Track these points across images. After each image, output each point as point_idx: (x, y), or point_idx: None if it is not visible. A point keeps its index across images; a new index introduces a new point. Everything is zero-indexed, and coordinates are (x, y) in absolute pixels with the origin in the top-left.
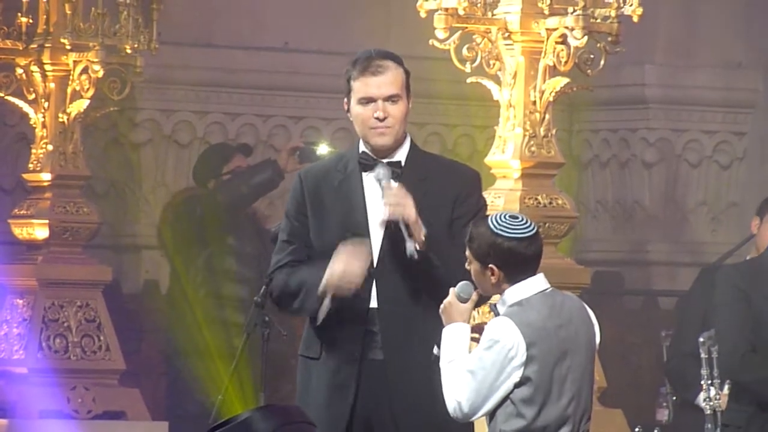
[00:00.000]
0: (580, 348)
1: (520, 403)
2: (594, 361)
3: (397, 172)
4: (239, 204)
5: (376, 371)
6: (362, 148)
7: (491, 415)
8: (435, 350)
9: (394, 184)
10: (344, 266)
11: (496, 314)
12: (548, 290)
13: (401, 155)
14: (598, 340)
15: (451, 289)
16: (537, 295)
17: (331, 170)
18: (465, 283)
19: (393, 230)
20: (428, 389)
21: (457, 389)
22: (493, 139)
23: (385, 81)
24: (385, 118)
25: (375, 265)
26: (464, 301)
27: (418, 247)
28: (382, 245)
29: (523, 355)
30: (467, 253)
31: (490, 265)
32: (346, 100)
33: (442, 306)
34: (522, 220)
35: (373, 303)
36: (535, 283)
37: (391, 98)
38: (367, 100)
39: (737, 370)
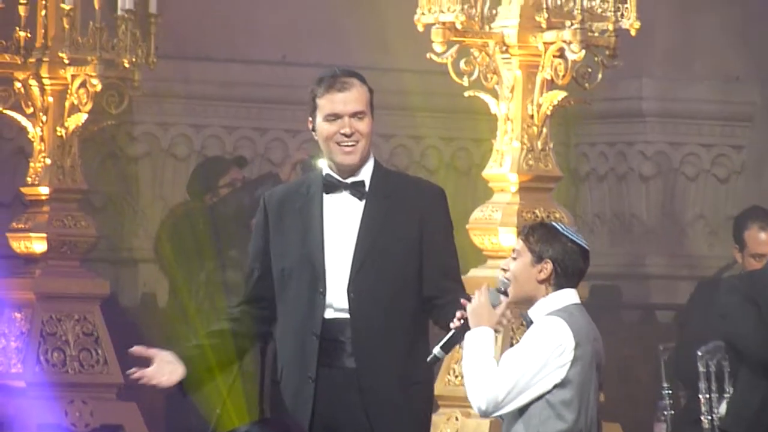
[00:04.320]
0: (603, 366)
1: (560, 406)
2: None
3: (362, 191)
4: (241, 216)
5: (342, 379)
6: (326, 170)
7: (522, 419)
8: (436, 350)
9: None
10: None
11: (528, 322)
12: (581, 304)
13: (365, 174)
14: None
15: (483, 288)
16: (575, 305)
17: (294, 192)
18: (493, 291)
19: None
20: (402, 392)
21: (492, 381)
22: (490, 153)
23: (351, 97)
24: (351, 134)
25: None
26: (494, 305)
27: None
28: (353, 259)
29: (570, 353)
30: (517, 246)
31: (546, 259)
32: (310, 119)
33: (470, 307)
34: (580, 234)
35: (329, 314)
36: (574, 295)
37: (356, 114)
38: (333, 117)
39: None
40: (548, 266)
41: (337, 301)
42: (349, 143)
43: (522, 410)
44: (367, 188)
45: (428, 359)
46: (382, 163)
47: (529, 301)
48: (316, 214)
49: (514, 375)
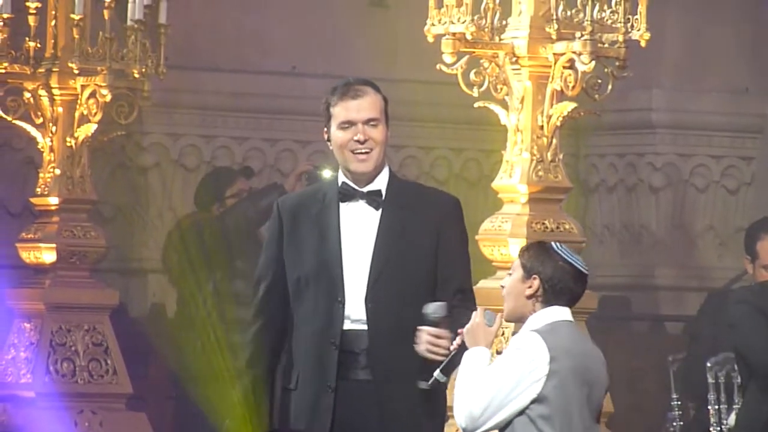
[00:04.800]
0: (600, 386)
1: (540, 421)
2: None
3: (378, 200)
4: (246, 228)
5: (358, 391)
6: (342, 179)
7: None
8: (436, 374)
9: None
10: None
11: None
12: (573, 323)
13: (381, 183)
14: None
15: (480, 310)
16: (564, 322)
17: (309, 199)
18: (491, 311)
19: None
20: (420, 401)
21: (472, 396)
22: (500, 164)
23: (365, 105)
24: (365, 141)
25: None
26: (490, 326)
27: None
28: (371, 269)
29: (545, 368)
30: (515, 263)
31: (534, 276)
32: (325, 129)
33: (467, 327)
34: (580, 258)
35: (347, 325)
36: (564, 313)
37: (370, 121)
38: (347, 124)
39: None
40: (536, 282)
41: (354, 312)
42: (363, 150)
43: (506, 425)
44: (383, 197)
45: (429, 382)
46: (396, 173)
47: (521, 318)
48: (332, 223)
49: (489, 392)
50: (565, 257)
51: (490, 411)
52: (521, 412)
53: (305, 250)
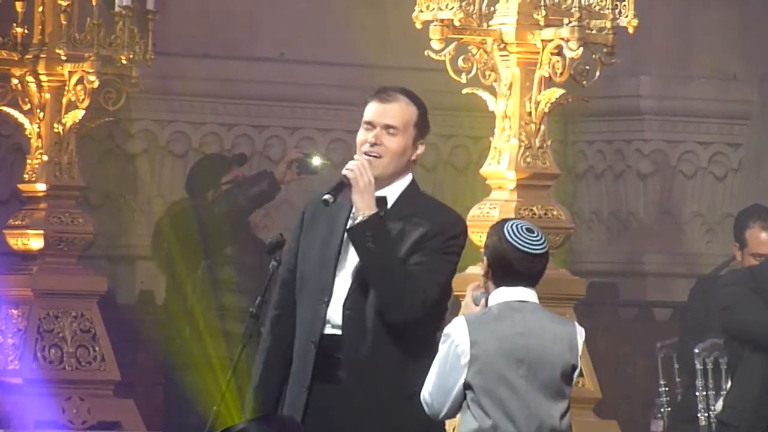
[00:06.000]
0: (546, 363)
1: (473, 405)
2: (562, 385)
3: (383, 208)
4: (236, 216)
5: (331, 394)
6: None
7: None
8: None
9: None
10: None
11: None
12: (528, 302)
13: (391, 192)
14: (577, 371)
15: (469, 289)
16: (514, 302)
17: None
18: (482, 291)
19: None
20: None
21: (426, 384)
22: (488, 150)
23: (389, 110)
24: (375, 145)
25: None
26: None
27: (332, 200)
28: (353, 276)
29: (467, 354)
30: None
31: (484, 257)
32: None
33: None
34: (536, 235)
35: (327, 329)
36: (517, 293)
37: (389, 128)
38: (368, 125)
39: None
40: (485, 263)
41: (335, 316)
42: (372, 154)
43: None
44: (387, 205)
45: None
46: (421, 188)
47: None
48: (340, 224)
49: (432, 379)
50: (507, 237)
51: (439, 398)
52: (464, 396)
53: (312, 247)
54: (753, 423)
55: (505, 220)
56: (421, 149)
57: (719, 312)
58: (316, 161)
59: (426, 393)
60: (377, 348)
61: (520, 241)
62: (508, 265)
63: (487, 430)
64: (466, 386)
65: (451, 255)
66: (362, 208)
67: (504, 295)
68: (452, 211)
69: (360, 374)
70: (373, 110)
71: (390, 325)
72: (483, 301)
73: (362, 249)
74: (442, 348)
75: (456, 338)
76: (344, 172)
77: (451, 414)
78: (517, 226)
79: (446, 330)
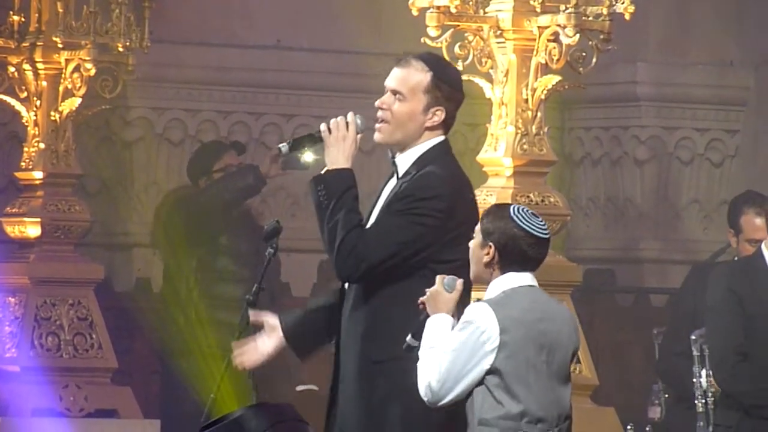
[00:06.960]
0: (562, 347)
1: (497, 390)
2: (569, 368)
3: (395, 173)
4: (221, 209)
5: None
6: None
7: (468, 404)
8: (408, 339)
9: None
10: None
11: None
12: (534, 287)
13: (405, 158)
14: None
15: (438, 278)
16: (522, 288)
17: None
18: (450, 277)
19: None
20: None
21: (431, 370)
22: (485, 137)
23: (399, 74)
24: (379, 108)
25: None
26: (449, 292)
27: (285, 149)
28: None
29: (495, 340)
30: (477, 228)
31: (490, 243)
32: None
33: (427, 294)
34: (541, 221)
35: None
36: (523, 278)
37: (396, 93)
38: (385, 89)
39: (729, 381)
40: (491, 250)
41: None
42: (378, 117)
43: (468, 395)
44: (401, 174)
45: (403, 347)
46: (444, 155)
47: (484, 283)
48: (379, 192)
49: (445, 366)
50: (519, 222)
51: (448, 384)
52: (480, 383)
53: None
54: (744, 423)
55: (504, 205)
56: (439, 116)
57: (707, 310)
58: (308, 157)
59: (432, 379)
60: (352, 314)
61: (532, 226)
62: (521, 251)
63: (514, 416)
64: (490, 372)
65: (417, 216)
66: (329, 163)
67: (513, 280)
68: (441, 175)
69: (340, 340)
70: (389, 74)
71: (359, 290)
72: (457, 284)
73: (315, 201)
74: (461, 335)
75: (482, 324)
76: (321, 125)
77: (455, 401)
78: (524, 210)
79: (467, 317)
